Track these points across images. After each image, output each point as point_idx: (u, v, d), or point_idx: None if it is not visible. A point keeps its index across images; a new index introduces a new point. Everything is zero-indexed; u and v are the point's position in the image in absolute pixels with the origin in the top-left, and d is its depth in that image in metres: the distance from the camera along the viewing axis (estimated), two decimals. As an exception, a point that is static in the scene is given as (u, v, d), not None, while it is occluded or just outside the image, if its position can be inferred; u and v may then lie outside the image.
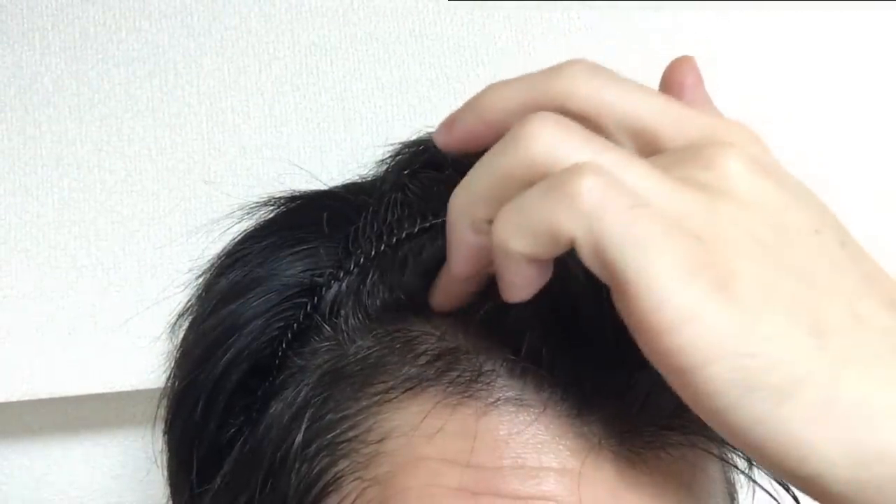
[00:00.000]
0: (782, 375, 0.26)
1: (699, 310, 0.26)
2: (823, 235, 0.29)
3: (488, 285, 0.33)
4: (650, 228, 0.27)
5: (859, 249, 0.30)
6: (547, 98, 0.30)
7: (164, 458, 0.41)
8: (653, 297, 0.26)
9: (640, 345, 0.28)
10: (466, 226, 0.31)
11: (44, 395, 0.49)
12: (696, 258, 0.27)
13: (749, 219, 0.28)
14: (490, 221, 0.29)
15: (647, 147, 0.30)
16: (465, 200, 0.31)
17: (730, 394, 0.26)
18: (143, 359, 0.47)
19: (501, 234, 0.29)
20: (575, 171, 0.28)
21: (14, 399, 0.49)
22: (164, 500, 0.42)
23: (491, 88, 0.32)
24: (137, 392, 0.49)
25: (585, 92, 0.30)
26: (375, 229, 0.37)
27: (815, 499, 0.27)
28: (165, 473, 0.42)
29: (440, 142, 0.33)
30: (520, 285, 0.30)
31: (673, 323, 0.26)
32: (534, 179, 0.29)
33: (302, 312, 0.37)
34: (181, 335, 0.40)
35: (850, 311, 0.27)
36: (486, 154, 0.30)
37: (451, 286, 0.34)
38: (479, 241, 0.31)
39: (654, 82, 0.33)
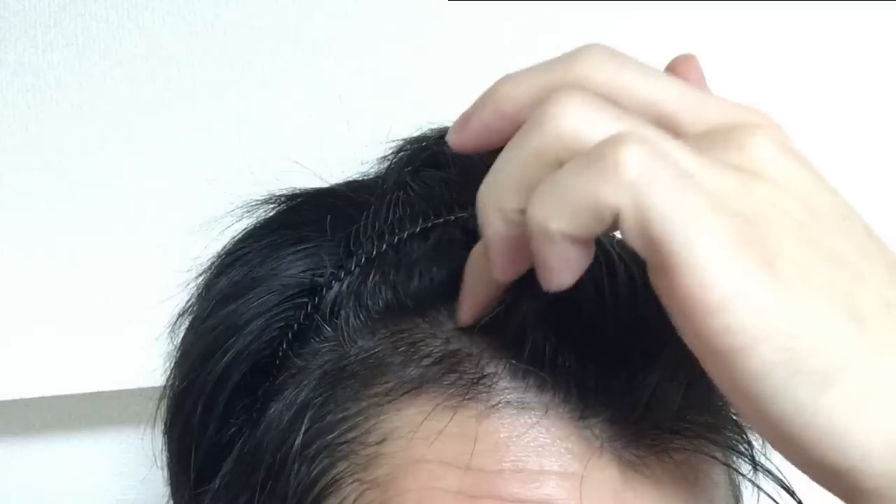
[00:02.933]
0: (826, 360, 0.25)
1: (747, 288, 0.25)
2: (851, 222, 0.28)
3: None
4: (699, 201, 0.26)
5: (881, 240, 0.29)
6: (564, 84, 0.29)
7: (164, 457, 0.41)
8: (702, 274, 0.25)
9: (682, 325, 0.26)
10: (499, 219, 0.29)
11: (44, 394, 0.49)
12: (743, 235, 0.26)
13: (785, 199, 0.27)
14: (522, 211, 0.28)
15: (668, 132, 0.29)
16: (494, 191, 0.29)
17: (774, 377, 0.25)
18: (144, 357, 0.47)
19: (539, 214, 0.27)
20: (616, 140, 0.26)
21: (14, 398, 0.49)
22: (165, 500, 0.42)
23: (504, 80, 0.30)
24: (139, 390, 0.48)
25: (603, 76, 0.29)
26: (377, 228, 0.37)
27: (844, 497, 0.27)
28: (166, 473, 0.41)
29: (454, 142, 0.31)
30: (562, 270, 0.28)
31: (721, 302, 0.25)
32: (565, 159, 0.27)
33: (302, 313, 0.37)
34: (181, 335, 0.40)
35: (881, 297, 0.27)
36: (510, 141, 0.29)
37: (477, 296, 0.33)
38: (514, 234, 0.29)
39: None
